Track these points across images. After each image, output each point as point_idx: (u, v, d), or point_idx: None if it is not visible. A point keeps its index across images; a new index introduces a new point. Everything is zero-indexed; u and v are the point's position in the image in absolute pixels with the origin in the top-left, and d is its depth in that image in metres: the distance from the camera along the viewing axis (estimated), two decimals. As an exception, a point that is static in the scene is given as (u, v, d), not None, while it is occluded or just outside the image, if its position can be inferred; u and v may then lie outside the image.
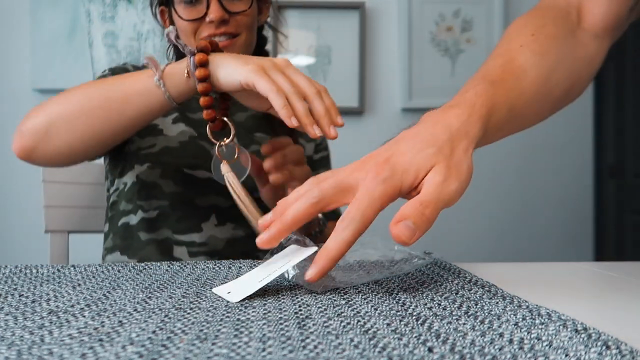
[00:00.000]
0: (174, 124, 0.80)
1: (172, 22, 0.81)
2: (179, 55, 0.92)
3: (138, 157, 0.78)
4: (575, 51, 0.59)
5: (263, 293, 0.40)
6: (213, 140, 0.62)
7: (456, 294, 0.40)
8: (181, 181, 0.76)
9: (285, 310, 0.35)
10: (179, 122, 0.80)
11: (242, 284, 0.40)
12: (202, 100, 0.58)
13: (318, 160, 0.97)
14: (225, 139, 0.62)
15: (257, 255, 0.80)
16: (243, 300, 0.38)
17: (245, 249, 0.79)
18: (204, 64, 0.56)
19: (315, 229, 0.72)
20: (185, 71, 0.58)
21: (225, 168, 0.61)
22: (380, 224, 1.51)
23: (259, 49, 0.89)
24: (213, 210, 0.77)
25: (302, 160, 0.68)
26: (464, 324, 0.31)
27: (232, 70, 0.56)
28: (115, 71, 0.80)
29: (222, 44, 0.73)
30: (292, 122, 0.53)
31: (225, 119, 0.62)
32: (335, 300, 0.38)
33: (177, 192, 0.76)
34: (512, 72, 0.54)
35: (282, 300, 0.38)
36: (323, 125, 0.54)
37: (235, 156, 0.63)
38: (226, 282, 0.43)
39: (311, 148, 0.95)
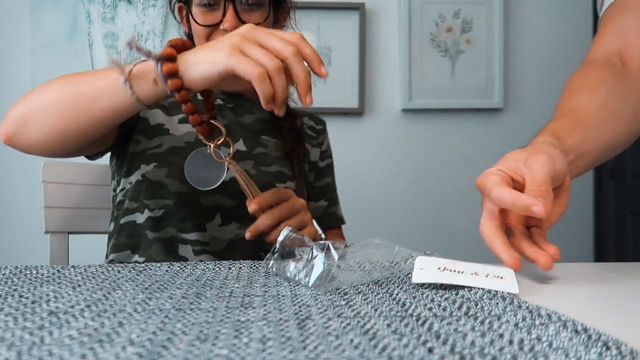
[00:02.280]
0: (180, 124, 0.81)
1: (188, 21, 0.81)
2: None
3: (145, 156, 0.78)
4: (626, 86, 0.66)
5: (263, 294, 0.40)
6: (205, 141, 0.61)
7: (456, 294, 0.40)
8: (187, 181, 0.76)
9: (285, 311, 0.35)
10: (186, 123, 0.81)
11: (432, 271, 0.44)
12: (185, 108, 0.56)
13: (324, 167, 0.97)
14: (217, 140, 0.61)
15: (259, 255, 0.80)
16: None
17: (247, 249, 0.79)
18: (173, 75, 0.53)
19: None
20: (152, 79, 0.55)
21: (234, 167, 0.64)
22: (380, 224, 1.52)
23: None
24: (217, 210, 0.78)
25: (296, 212, 0.69)
26: (464, 324, 0.31)
27: (207, 65, 0.52)
28: None
29: None
30: (268, 107, 0.52)
31: (212, 121, 0.61)
32: (335, 301, 0.38)
33: (182, 192, 0.76)
34: (570, 111, 0.63)
35: (282, 301, 0.38)
36: (300, 93, 0.53)
37: (232, 151, 0.63)
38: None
39: (317, 154, 0.96)
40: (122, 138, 0.79)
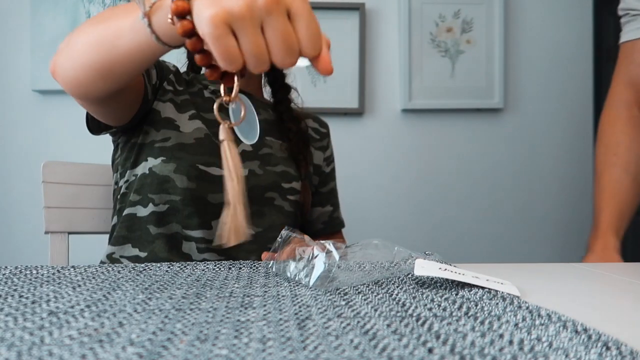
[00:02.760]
0: (191, 120, 0.81)
1: None
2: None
3: (152, 149, 0.78)
4: None
5: (263, 294, 0.40)
6: (223, 95, 0.46)
7: (456, 294, 0.40)
8: (195, 177, 0.76)
9: (285, 311, 0.35)
10: (196, 119, 0.81)
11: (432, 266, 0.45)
12: (198, 59, 0.44)
13: (329, 173, 0.99)
14: (228, 95, 0.46)
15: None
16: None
17: (252, 248, 0.79)
18: (183, 15, 0.42)
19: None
20: (169, 17, 0.44)
21: (224, 133, 0.47)
22: (380, 225, 1.52)
23: (278, 81, 0.93)
24: (224, 207, 0.78)
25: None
26: (464, 324, 0.31)
27: (197, 17, 0.41)
28: None
29: None
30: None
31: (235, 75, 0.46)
32: (335, 301, 0.38)
33: (190, 188, 0.76)
34: (613, 191, 0.91)
35: (282, 301, 0.38)
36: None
37: (242, 115, 0.48)
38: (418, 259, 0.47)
39: (320, 157, 0.96)
40: (134, 123, 0.78)
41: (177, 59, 0.98)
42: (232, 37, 0.40)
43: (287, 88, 0.95)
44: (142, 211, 0.77)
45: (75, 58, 0.60)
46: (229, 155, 0.47)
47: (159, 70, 0.81)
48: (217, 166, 0.78)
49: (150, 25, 0.48)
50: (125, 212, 0.78)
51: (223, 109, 0.49)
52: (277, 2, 0.40)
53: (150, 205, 0.76)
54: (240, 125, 0.49)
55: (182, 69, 0.95)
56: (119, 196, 0.82)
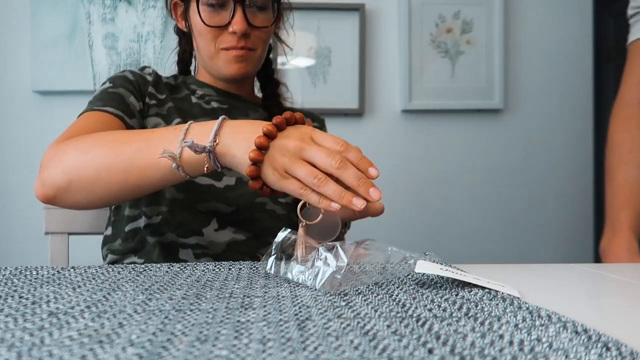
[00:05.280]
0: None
1: (186, 18, 0.81)
2: (181, 60, 0.92)
3: None
4: None
5: (263, 294, 0.40)
6: (300, 215, 0.57)
7: (456, 295, 0.40)
8: (182, 187, 0.76)
9: (285, 312, 0.35)
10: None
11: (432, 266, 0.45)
12: (262, 193, 0.56)
13: None
14: (302, 213, 0.57)
15: (257, 256, 0.80)
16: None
17: (246, 250, 0.79)
18: (263, 148, 0.54)
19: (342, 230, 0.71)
20: (205, 167, 0.58)
21: (302, 230, 0.56)
22: (379, 225, 1.51)
23: (267, 76, 0.93)
24: (213, 215, 0.77)
25: None
26: (464, 325, 0.31)
27: (270, 181, 0.54)
28: (115, 82, 0.79)
29: (239, 53, 0.77)
30: (334, 207, 0.52)
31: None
32: (335, 301, 0.38)
33: (178, 199, 0.76)
34: (629, 192, 0.87)
35: (282, 302, 0.38)
36: (361, 193, 0.52)
37: (318, 219, 0.57)
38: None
39: None
40: None
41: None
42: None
43: (276, 83, 0.94)
44: (142, 223, 0.77)
45: (91, 190, 0.62)
46: (301, 250, 0.56)
47: (137, 94, 0.80)
48: (204, 175, 0.78)
49: (184, 170, 0.58)
50: (129, 227, 0.78)
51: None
52: (298, 145, 0.53)
53: (144, 217, 0.76)
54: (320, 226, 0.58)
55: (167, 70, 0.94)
56: (112, 208, 0.82)
